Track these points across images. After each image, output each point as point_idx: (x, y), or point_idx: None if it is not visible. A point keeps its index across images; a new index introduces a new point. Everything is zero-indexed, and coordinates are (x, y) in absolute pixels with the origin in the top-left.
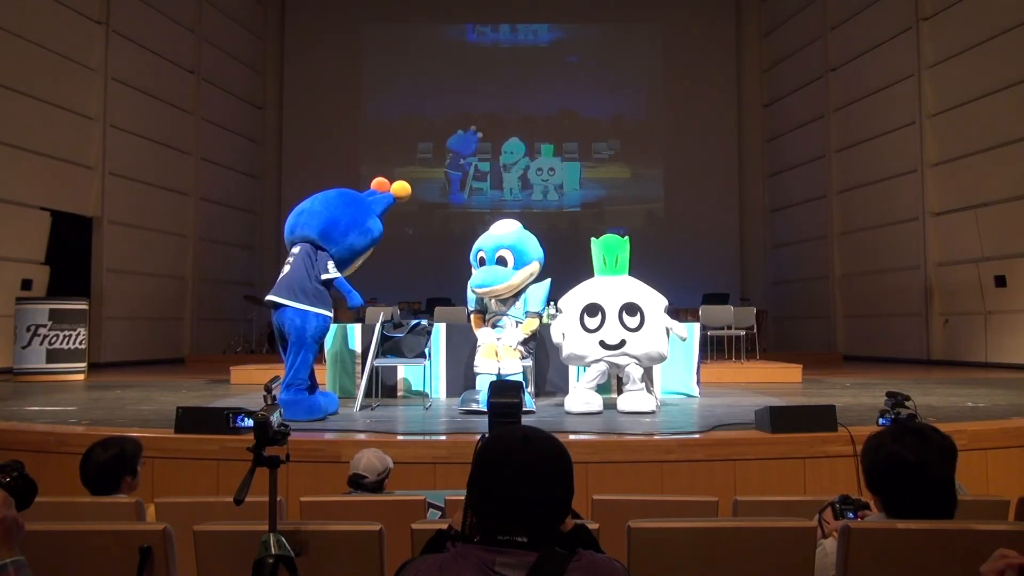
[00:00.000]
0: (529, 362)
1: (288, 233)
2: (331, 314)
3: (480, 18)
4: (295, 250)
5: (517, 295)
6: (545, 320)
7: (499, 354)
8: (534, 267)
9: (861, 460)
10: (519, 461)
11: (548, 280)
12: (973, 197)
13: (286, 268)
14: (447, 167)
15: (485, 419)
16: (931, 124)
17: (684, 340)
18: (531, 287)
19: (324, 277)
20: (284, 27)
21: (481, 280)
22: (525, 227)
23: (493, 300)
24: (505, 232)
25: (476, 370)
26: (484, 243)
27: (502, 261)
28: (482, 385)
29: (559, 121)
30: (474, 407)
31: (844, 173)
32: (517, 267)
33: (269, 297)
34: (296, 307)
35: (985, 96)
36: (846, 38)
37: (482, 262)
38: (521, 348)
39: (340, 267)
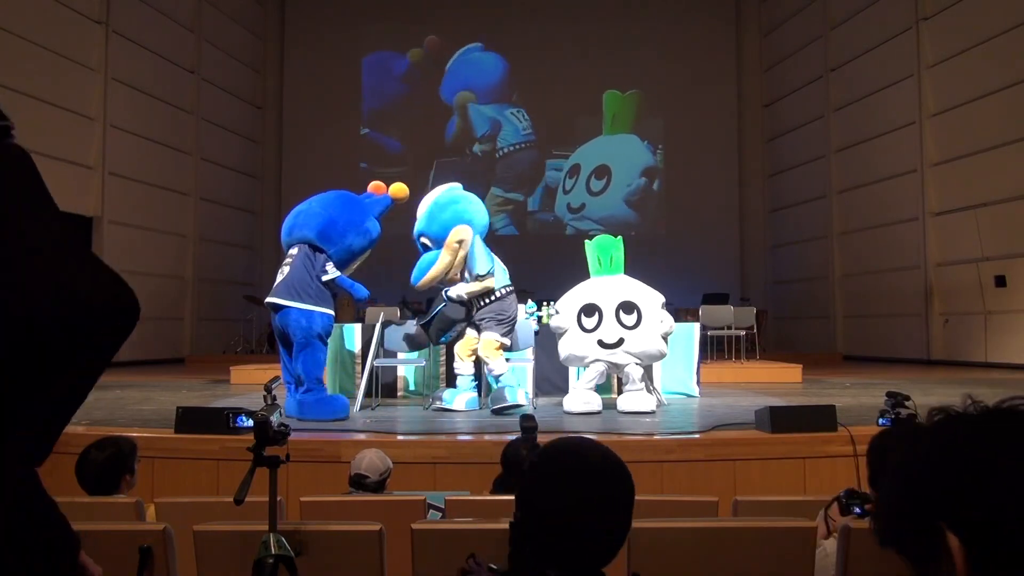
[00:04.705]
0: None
1: (285, 235)
2: (334, 313)
3: (479, 18)
4: (293, 251)
5: (466, 264)
6: (545, 320)
7: (470, 352)
8: (458, 233)
9: (868, 460)
10: (582, 484)
11: (477, 237)
12: (973, 197)
13: (285, 269)
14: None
15: (455, 416)
16: (931, 124)
17: (670, 332)
18: (471, 251)
19: (324, 278)
20: (284, 27)
21: (414, 274)
22: (465, 197)
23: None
24: (420, 214)
25: (456, 370)
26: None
27: (426, 248)
28: (459, 384)
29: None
30: (438, 404)
31: (844, 173)
32: (439, 247)
33: (269, 299)
34: (300, 307)
35: (985, 96)
36: (846, 38)
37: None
38: (498, 338)
39: (339, 268)
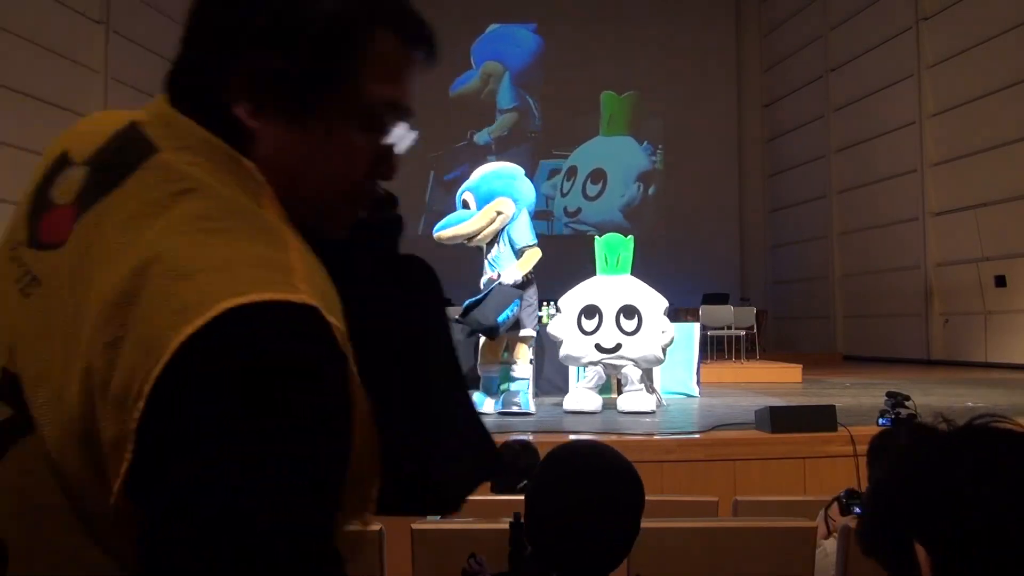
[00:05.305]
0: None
1: None
2: None
3: (479, 17)
4: None
5: (497, 238)
6: (545, 320)
7: (496, 353)
8: (501, 204)
9: (868, 460)
10: (589, 487)
11: (524, 211)
12: (973, 197)
13: None
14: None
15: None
16: (931, 124)
17: (670, 343)
18: (510, 224)
19: None
20: None
21: (439, 224)
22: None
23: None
24: (474, 176)
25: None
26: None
27: (465, 205)
28: (484, 386)
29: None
30: (515, 408)
31: (844, 173)
32: (479, 208)
33: None
34: None
35: (985, 96)
36: (846, 38)
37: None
38: (530, 333)
39: None
